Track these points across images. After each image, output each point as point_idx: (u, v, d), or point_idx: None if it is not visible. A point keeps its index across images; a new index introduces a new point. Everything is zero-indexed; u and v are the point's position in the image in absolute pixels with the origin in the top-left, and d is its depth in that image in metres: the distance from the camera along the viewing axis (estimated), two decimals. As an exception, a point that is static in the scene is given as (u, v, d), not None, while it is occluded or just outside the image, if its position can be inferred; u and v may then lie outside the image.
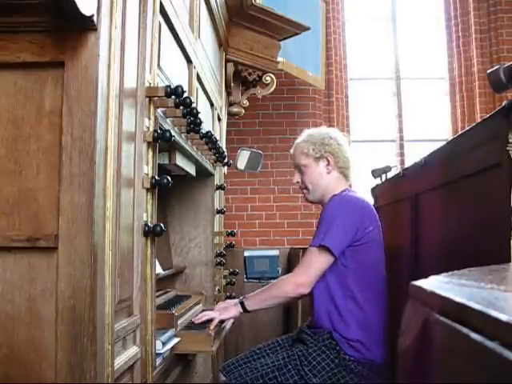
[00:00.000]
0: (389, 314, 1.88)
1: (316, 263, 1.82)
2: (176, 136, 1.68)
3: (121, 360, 1.23)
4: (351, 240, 1.83)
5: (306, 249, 4.03)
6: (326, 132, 2.05)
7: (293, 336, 2.07)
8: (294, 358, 1.81)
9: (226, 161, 2.65)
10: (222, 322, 1.97)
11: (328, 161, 1.98)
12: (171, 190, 2.03)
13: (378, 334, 1.83)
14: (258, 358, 2.01)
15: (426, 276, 0.62)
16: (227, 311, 1.91)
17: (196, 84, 2.17)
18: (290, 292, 1.84)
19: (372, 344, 1.81)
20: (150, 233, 1.43)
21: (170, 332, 1.69)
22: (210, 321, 1.90)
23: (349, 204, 1.90)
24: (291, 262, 4.46)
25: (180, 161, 1.96)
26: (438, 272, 0.68)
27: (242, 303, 1.89)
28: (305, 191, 2.06)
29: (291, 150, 2.10)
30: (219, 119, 2.88)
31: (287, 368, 1.79)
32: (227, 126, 3.20)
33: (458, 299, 0.46)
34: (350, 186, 2.10)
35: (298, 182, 2.07)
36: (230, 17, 2.88)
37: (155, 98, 1.48)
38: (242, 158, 2.94)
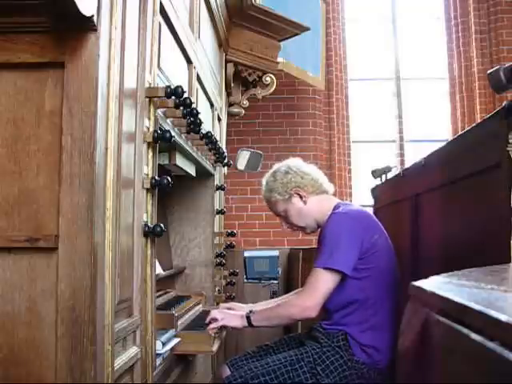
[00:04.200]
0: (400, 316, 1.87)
1: (323, 285, 1.77)
2: (176, 136, 1.68)
3: (121, 360, 1.23)
4: (359, 253, 1.80)
5: (306, 249, 4.02)
6: (279, 170, 2.01)
7: (302, 335, 2.06)
8: (307, 355, 1.79)
9: (226, 161, 2.65)
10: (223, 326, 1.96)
11: (298, 194, 1.97)
12: (171, 190, 2.03)
13: (391, 339, 1.82)
14: (265, 354, 2.00)
15: (426, 276, 0.62)
16: (232, 319, 1.89)
17: (196, 84, 2.18)
18: (296, 315, 1.81)
19: (385, 349, 1.80)
20: (149, 233, 1.43)
21: (170, 332, 1.69)
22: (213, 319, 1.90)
23: (348, 218, 1.87)
24: (291, 262, 4.46)
25: (180, 161, 1.96)
26: (437, 272, 0.68)
27: (248, 317, 1.86)
28: (300, 230, 2.07)
29: (265, 202, 2.10)
30: (219, 119, 2.88)
31: (299, 364, 1.77)
32: (227, 127, 3.20)
33: (458, 300, 0.46)
34: (334, 194, 2.08)
35: (288, 228, 2.08)
36: (230, 17, 2.88)
37: (155, 99, 1.48)
38: (242, 159, 2.94)
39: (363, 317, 1.82)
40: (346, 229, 1.83)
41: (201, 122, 1.78)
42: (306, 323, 2.16)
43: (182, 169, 2.03)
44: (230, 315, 1.91)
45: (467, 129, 1.59)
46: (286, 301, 1.93)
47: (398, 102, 5.35)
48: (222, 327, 1.93)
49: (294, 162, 2.05)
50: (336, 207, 1.96)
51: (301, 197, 1.97)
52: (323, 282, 1.78)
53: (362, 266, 1.81)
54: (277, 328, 4.25)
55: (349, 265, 1.78)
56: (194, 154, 2.07)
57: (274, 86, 3.31)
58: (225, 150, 2.62)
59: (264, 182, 2.06)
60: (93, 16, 1.06)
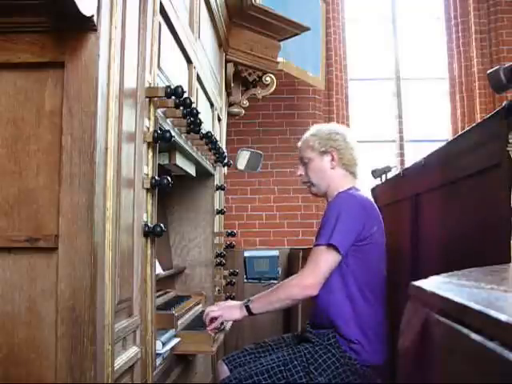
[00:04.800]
0: (388, 314, 1.88)
1: (324, 263, 1.76)
2: (176, 136, 1.68)
3: (121, 360, 1.23)
4: (356, 239, 1.80)
5: (305, 249, 4.02)
6: (334, 128, 2.04)
7: (297, 335, 2.06)
8: (300, 354, 1.79)
9: (226, 161, 2.65)
10: (222, 322, 1.96)
11: (332, 156, 1.97)
12: (171, 190, 2.04)
13: (377, 336, 1.82)
14: (262, 351, 1.99)
15: (425, 276, 0.62)
16: (231, 312, 1.87)
17: (196, 84, 2.18)
18: (297, 294, 1.79)
19: (372, 346, 1.79)
20: (150, 233, 1.43)
21: (170, 332, 1.69)
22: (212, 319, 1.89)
23: (355, 202, 1.87)
24: (291, 262, 4.46)
25: (180, 161, 1.96)
26: (437, 272, 0.68)
27: (247, 306, 1.83)
28: (308, 184, 2.05)
29: (299, 143, 2.10)
30: (219, 119, 2.88)
31: (293, 364, 1.76)
32: (227, 127, 3.20)
33: (457, 299, 0.46)
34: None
35: (301, 175, 2.06)
36: (230, 17, 2.88)
37: (155, 99, 1.48)
38: (242, 159, 2.94)
39: (345, 312, 1.81)
40: (349, 210, 1.83)
41: (201, 122, 1.78)
42: (306, 317, 2.16)
43: (182, 169, 2.03)
44: (228, 308, 1.88)
45: (467, 129, 1.59)
46: (285, 281, 1.89)
47: (398, 102, 5.36)
48: (223, 323, 1.92)
49: (349, 133, 2.06)
50: (347, 189, 1.95)
51: (332, 159, 1.97)
52: (324, 261, 1.77)
53: (352, 253, 1.80)
54: (276, 326, 4.26)
55: (345, 245, 1.78)
56: (193, 154, 2.07)
57: (274, 86, 3.31)
58: (225, 150, 2.62)
59: (315, 126, 2.07)
60: (93, 16, 1.06)
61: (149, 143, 1.46)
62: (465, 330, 0.43)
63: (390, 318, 1.87)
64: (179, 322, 1.89)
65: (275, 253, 4.60)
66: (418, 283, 0.58)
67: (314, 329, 1.89)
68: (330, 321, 1.83)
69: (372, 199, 2.93)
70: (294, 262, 4.20)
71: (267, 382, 1.73)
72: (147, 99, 1.44)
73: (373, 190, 2.92)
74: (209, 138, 2.03)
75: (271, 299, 1.84)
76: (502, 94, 1.48)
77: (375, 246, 1.87)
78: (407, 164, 4.61)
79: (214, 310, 1.88)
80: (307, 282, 1.76)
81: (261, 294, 1.90)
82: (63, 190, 1.08)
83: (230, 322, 2.11)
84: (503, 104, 1.24)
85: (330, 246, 1.77)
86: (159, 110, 1.54)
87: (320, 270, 1.76)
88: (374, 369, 1.81)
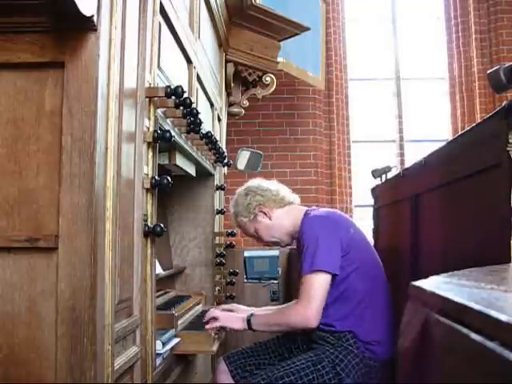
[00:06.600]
0: (394, 309, 1.90)
1: (318, 292, 1.77)
2: (176, 136, 1.68)
3: (121, 360, 1.23)
4: (342, 250, 1.83)
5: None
6: (240, 195, 2.07)
7: (300, 336, 2.05)
8: (325, 355, 1.80)
9: (225, 161, 2.65)
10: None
11: (262, 212, 2.01)
12: (171, 190, 2.04)
13: (389, 329, 1.85)
14: (262, 350, 2.02)
15: (425, 276, 0.62)
16: (232, 321, 1.89)
17: (196, 84, 2.17)
18: (298, 324, 1.81)
19: (386, 342, 1.83)
20: (150, 233, 1.43)
21: (170, 332, 1.69)
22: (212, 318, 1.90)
23: (321, 220, 1.90)
24: (291, 262, 4.46)
25: (180, 161, 1.96)
26: (437, 272, 0.68)
27: (248, 320, 1.86)
28: (276, 245, 2.10)
29: (236, 227, 2.15)
30: (219, 119, 2.88)
31: (322, 365, 1.77)
32: (227, 127, 3.20)
33: (458, 299, 0.46)
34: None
35: (265, 245, 2.13)
36: (230, 17, 2.88)
37: (155, 99, 1.48)
38: (242, 159, 2.94)
39: (358, 314, 1.84)
40: (321, 230, 1.86)
41: (201, 122, 1.78)
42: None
43: (182, 169, 2.03)
44: (231, 317, 1.90)
45: (467, 129, 1.59)
46: (286, 309, 1.93)
47: (398, 102, 5.36)
48: (221, 328, 1.93)
49: (253, 183, 2.11)
50: (306, 214, 1.98)
51: (265, 213, 2.01)
52: (316, 289, 1.78)
53: (347, 261, 1.83)
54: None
55: (334, 265, 1.80)
56: (193, 154, 2.07)
57: (274, 86, 3.31)
58: (225, 150, 2.62)
59: (230, 207, 2.11)
60: (93, 16, 1.06)
61: (149, 143, 1.46)
62: (465, 330, 0.43)
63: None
64: (179, 322, 1.89)
65: (275, 253, 4.59)
66: (418, 283, 0.58)
67: (325, 332, 1.89)
68: (347, 325, 1.84)
69: (371, 199, 2.94)
70: (294, 262, 4.20)
71: (298, 382, 1.74)
72: (147, 99, 1.44)
73: (373, 190, 2.92)
74: (209, 138, 2.03)
75: (270, 321, 1.88)
76: (502, 93, 1.48)
77: (361, 244, 1.90)
78: (407, 164, 4.61)
79: (217, 313, 1.90)
80: (309, 314, 1.77)
81: (263, 313, 1.95)
82: (63, 189, 1.08)
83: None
84: (503, 104, 1.24)
85: (315, 271, 1.78)
86: (159, 110, 1.54)
87: (316, 299, 1.77)
88: (387, 365, 1.84)
